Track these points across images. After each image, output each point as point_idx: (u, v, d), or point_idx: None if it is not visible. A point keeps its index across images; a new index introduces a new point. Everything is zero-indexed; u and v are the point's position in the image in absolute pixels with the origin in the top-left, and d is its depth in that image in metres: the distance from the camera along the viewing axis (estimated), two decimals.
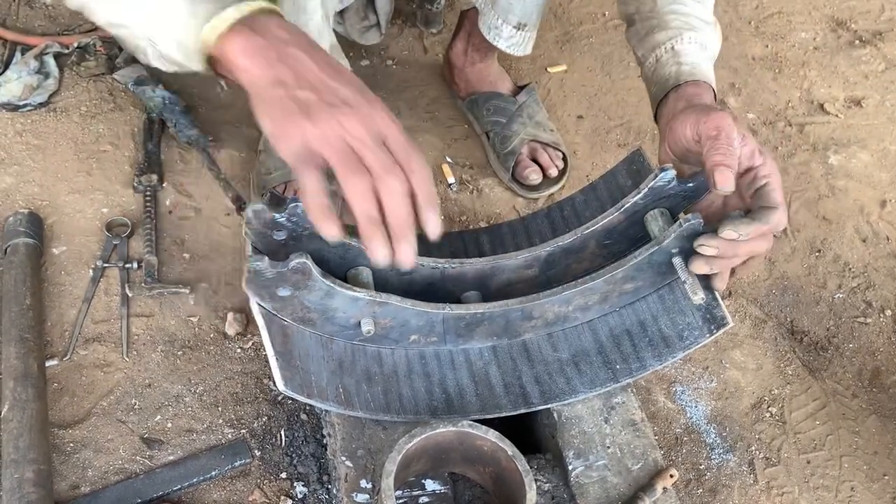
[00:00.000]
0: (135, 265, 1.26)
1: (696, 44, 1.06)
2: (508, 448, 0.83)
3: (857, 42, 1.85)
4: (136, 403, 1.14)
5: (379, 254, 0.78)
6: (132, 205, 1.34)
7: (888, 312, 1.39)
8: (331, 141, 0.76)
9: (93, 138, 1.41)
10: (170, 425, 1.13)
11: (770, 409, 1.25)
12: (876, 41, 1.85)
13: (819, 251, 1.46)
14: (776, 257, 1.45)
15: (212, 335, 1.22)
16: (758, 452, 1.20)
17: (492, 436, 0.84)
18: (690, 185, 0.98)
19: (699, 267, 0.94)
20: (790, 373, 1.30)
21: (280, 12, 0.84)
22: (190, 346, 1.21)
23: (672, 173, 0.96)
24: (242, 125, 1.48)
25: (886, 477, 1.20)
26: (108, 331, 1.20)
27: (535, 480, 0.88)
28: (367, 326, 0.92)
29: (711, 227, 0.94)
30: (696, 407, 1.23)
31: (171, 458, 1.10)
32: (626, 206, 0.98)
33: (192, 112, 1.47)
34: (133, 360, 1.18)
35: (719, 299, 0.98)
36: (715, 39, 1.11)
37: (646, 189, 0.96)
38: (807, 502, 1.16)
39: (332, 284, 0.89)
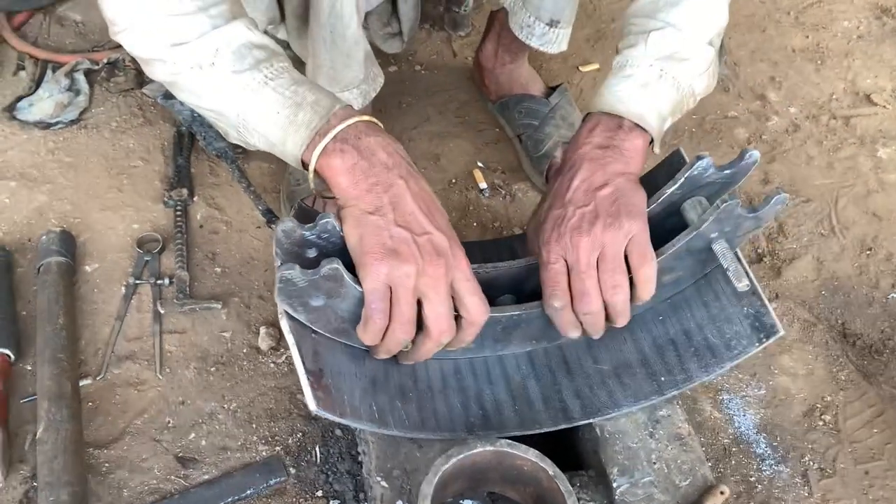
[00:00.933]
0: (166, 281, 1.25)
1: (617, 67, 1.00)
2: (549, 468, 0.80)
3: None
4: (170, 422, 1.13)
5: (374, 356, 0.92)
6: (163, 220, 1.33)
7: None
8: (407, 288, 0.83)
9: (123, 154, 1.41)
10: (204, 443, 1.11)
11: (823, 416, 1.20)
12: None
13: (870, 249, 1.40)
14: (824, 256, 1.39)
15: (244, 350, 1.21)
16: (811, 463, 1.15)
17: (532, 455, 0.80)
18: (728, 171, 0.95)
19: None
20: (843, 378, 1.24)
21: (380, 125, 0.87)
22: (223, 363, 1.19)
23: (709, 160, 0.92)
24: None
25: None
26: (141, 348, 1.19)
27: (578, 499, 0.84)
28: None
29: (751, 208, 0.91)
30: (744, 416, 1.18)
31: (206, 476, 1.08)
32: (663, 197, 0.94)
33: None
34: (166, 377, 1.17)
35: (768, 306, 0.93)
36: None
37: (682, 179, 0.93)
38: None
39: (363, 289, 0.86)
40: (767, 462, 1.14)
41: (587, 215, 0.90)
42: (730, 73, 1.67)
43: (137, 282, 1.25)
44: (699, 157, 0.90)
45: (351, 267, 0.85)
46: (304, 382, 0.83)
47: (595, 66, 1.66)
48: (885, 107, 1.63)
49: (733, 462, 1.14)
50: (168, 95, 1.51)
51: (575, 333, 0.93)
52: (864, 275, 1.37)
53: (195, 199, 1.37)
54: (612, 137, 0.94)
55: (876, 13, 1.82)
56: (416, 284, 0.83)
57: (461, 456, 0.79)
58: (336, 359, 0.89)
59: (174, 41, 0.85)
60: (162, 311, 1.22)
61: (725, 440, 1.16)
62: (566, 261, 0.91)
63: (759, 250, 1.39)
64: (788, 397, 1.21)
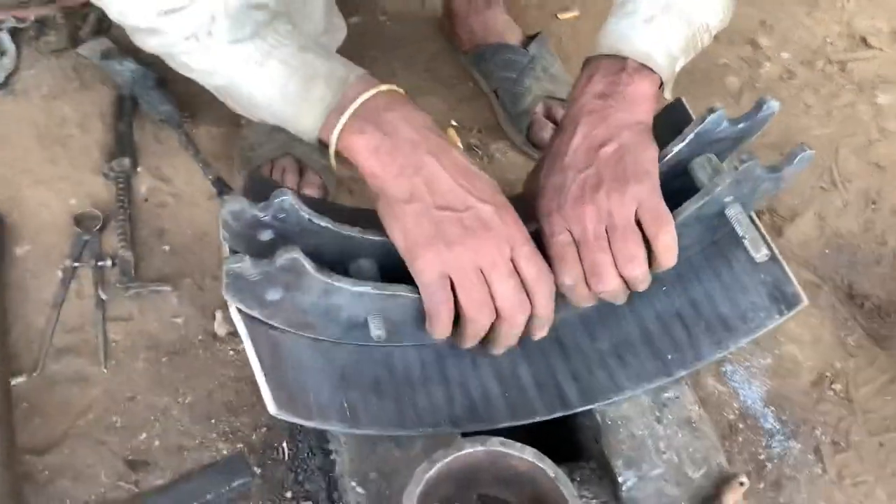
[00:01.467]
0: (109, 263, 1.12)
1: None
2: (549, 469, 0.70)
3: None
4: (117, 421, 1.01)
5: (462, 347, 0.83)
6: (103, 194, 1.20)
7: None
8: (465, 270, 0.77)
9: (57, 122, 1.27)
10: (157, 444, 1.00)
11: (833, 386, 1.12)
12: None
13: (874, 203, 1.31)
14: (827, 212, 1.30)
15: (200, 337, 1.09)
16: (824, 437, 1.07)
17: (529, 454, 0.70)
18: (742, 125, 0.85)
19: None
20: (852, 343, 1.16)
21: (402, 93, 0.81)
22: (176, 352, 1.07)
23: (721, 113, 0.83)
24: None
25: None
26: (82, 340, 1.07)
27: (580, 497, 0.75)
28: (376, 331, 0.78)
29: (771, 167, 0.82)
30: (750, 388, 1.09)
31: (160, 481, 0.97)
32: (669, 155, 0.84)
33: (165, 86, 1.32)
34: (112, 371, 1.05)
35: (789, 273, 0.84)
36: None
37: (692, 135, 0.82)
38: (884, 491, 1.03)
39: (329, 280, 0.75)
40: (777, 438, 1.06)
41: (589, 181, 0.79)
42: None
43: (76, 265, 1.12)
44: (711, 110, 0.80)
45: (314, 253, 0.73)
46: (262, 382, 0.72)
47: (574, 14, 1.54)
48: (882, 50, 1.53)
49: (740, 439, 1.06)
50: (105, 56, 1.38)
51: (590, 303, 0.84)
52: (870, 231, 1.28)
53: (139, 169, 1.23)
54: (614, 83, 0.83)
55: None
56: (475, 264, 0.77)
57: (447, 460, 0.69)
58: (300, 352, 0.78)
59: (166, 7, 0.77)
60: (105, 297, 1.09)
61: (731, 416, 1.08)
62: (572, 233, 0.80)
63: (758, 208, 1.29)
64: (796, 366, 1.13)
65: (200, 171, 1.23)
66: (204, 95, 1.30)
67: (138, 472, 0.97)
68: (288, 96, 0.78)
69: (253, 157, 1.21)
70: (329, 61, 0.80)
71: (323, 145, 0.81)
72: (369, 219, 0.83)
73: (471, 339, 0.82)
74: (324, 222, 0.77)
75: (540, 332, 0.83)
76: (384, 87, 0.79)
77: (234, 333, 1.09)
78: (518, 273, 0.78)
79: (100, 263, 1.12)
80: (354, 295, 0.77)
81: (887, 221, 1.29)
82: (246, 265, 0.69)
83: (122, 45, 1.38)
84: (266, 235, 0.76)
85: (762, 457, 1.05)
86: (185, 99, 1.31)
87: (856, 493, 1.03)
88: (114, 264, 1.12)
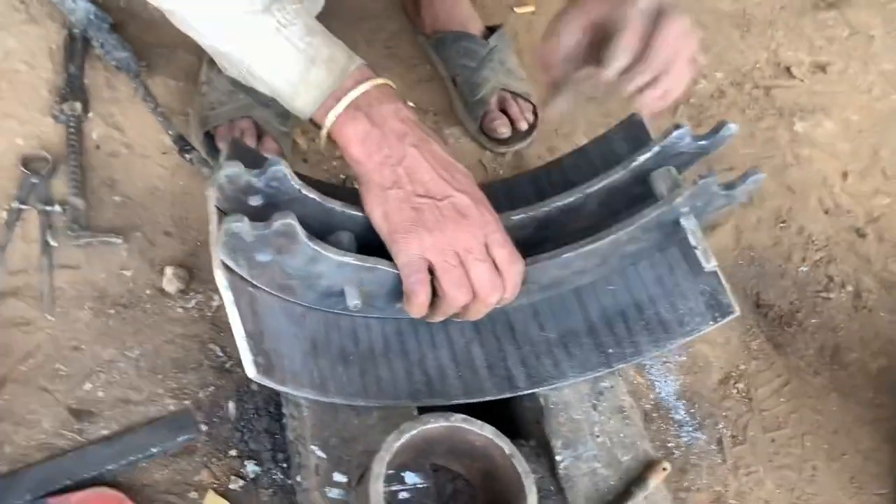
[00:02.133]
0: (58, 208, 1.10)
1: None
2: (506, 446, 0.76)
3: (822, 5, 1.81)
4: (61, 369, 1.00)
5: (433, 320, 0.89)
6: (53, 137, 1.16)
7: (849, 288, 1.38)
8: (444, 253, 0.82)
9: (1, 55, 1.21)
10: (102, 394, 1.00)
11: (737, 385, 1.23)
12: (841, 5, 1.81)
13: (784, 222, 1.44)
14: (743, 226, 1.41)
15: (148, 292, 1.09)
16: (725, 430, 1.18)
17: (488, 432, 0.76)
18: (703, 142, 0.92)
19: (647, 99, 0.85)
20: (755, 348, 1.28)
21: (393, 87, 0.85)
22: (123, 304, 1.07)
23: (686, 130, 0.90)
24: (178, 48, 1.31)
25: (846, 456, 1.21)
26: (26, 283, 1.04)
27: None
28: (353, 300, 0.82)
29: (726, 185, 0.89)
30: (665, 382, 1.19)
31: (105, 432, 0.97)
32: (634, 164, 0.91)
33: (122, 30, 1.29)
34: (57, 318, 1.03)
35: (726, 285, 0.92)
36: None
37: (657, 148, 0.89)
38: (772, 482, 1.15)
39: (318, 248, 0.79)
40: (685, 429, 1.16)
41: None
42: None
43: (22, 207, 1.09)
44: (677, 126, 0.87)
45: (301, 219, 0.76)
46: (243, 347, 0.75)
47: (530, 9, 1.59)
48: (802, 80, 1.66)
49: (654, 427, 1.16)
50: None
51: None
52: (778, 247, 1.40)
53: (90, 115, 1.20)
54: None
55: None
56: (452, 248, 0.82)
57: (414, 431, 0.74)
58: (276, 319, 0.81)
59: None
60: (53, 243, 1.07)
61: (647, 406, 1.17)
62: None
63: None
64: (707, 365, 1.24)
65: (154, 124, 1.21)
66: (161, 46, 1.31)
67: (82, 422, 0.97)
68: (288, 75, 0.81)
69: (212, 116, 1.20)
70: (331, 47, 0.82)
71: (314, 125, 0.83)
72: (342, 195, 0.87)
73: (442, 316, 0.88)
74: (312, 194, 0.81)
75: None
76: (380, 81, 0.83)
77: (183, 291, 1.10)
78: (491, 258, 0.84)
79: (48, 208, 1.09)
80: (337, 264, 0.81)
81: (793, 240, 1.42)
82: (245, 226, 0.72)
83: None
84: (256, 201, 0.78)
85: (671, 444, 1.15)
86: (141, 47, 1.28)
87: (748, 481, 1.15)
88: (63, 210, 1.10)
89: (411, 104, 1.39)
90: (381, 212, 0.82)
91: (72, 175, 1.12)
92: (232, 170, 0.74)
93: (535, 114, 1.40)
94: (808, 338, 1.31)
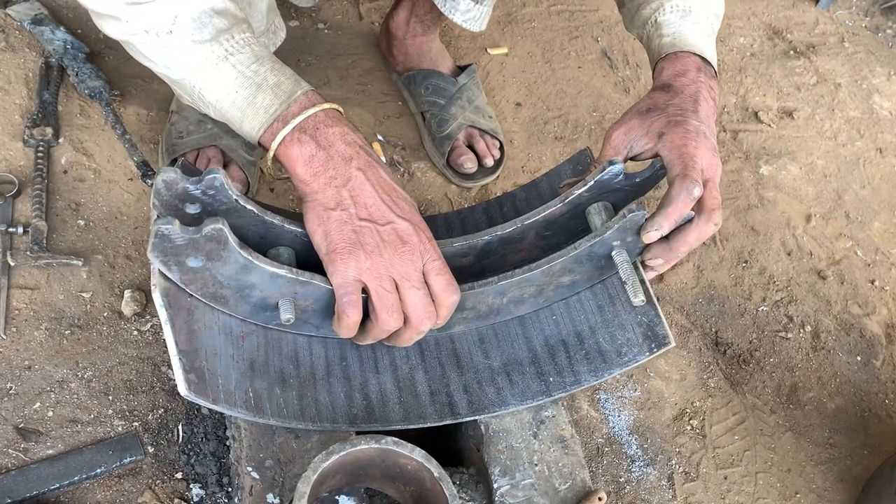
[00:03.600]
0: (20, 230, 1.12)
1: (677, 11, 0.99)
2: (435, 469, 0.76)
3: (791, 53, 1.85)
4: (11, 388, 1.01)
5: (361, 343, 0.91)
6: (21, 160, 1.19)
7: (807, 328, 1.39)
8: (380, 277, 0.83)
9: None
10: (51, 414, 1.00)
11: (691, 421, 1.23)
12: (809, 53, 1.86)
13: (746, 262, 1.46)
14: (704, 265, 1.43)
15: (105, 314, 1.10)
16: (677, 466, 1.18)
17: (417, 455, 0.77)
18: (637, 180, 0.94)
19: (657, 253, 0.92)
20: (712, 385, 1.29)
21: (341, 112, 0.87)
22: (79, 326, 1.08)
23: (620, 167, 0.91)
24: (153, 80, 1.34)
25: (798, 495, 1.20)
26: None
27: (458, 499, 0.81)
28: (286, 314, 0.83)
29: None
30: (619, 416, 1.20)
31: (51, 451, 0.98)
32: (570, 197, 0.92)
33: (97, 60, 1.33)
34: (11, 337, 1.04)
35: (662, 317, 0.93)
36: (707, 2, 1.01)
37: (592, 181, 0.91)
38: None
39: (249, 257, 0.80)
40: (637, 464, 1.16)
41: None
42: (631, 74, 1.69)
43: None
44: (611, 163, 0.89)
45: (237, 234, 0.78)
46: (176, 364, 0.76)
47: (503, 51, 1.63)
48: (770, 126, 1.69)
49: (605, 462, 1.16)
50: (37, 21, 1.37)
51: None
52: (739, 286, 1.42)
53: (60, 140, 1.23)
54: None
55: (769, 34, 1.89)
56: (389, 274, 0.83)
57: (343, 453, 0.75)
58: (213, 339, 0.82)
59: None
60: (12, 263, 1.09)
61: (600, 439, 1.18)
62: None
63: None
64: (661, 400, 1.24)
65: (123, 151, 1.24)
66: (136, 77, 1.34)
67: (28, 441, 0.98)
68: (236, 100, 0.83)
69: (180, 144, 1.23)
70: (279, 75, 0.84)
71: (262, 147, 0.85)
72: (287, 217, 0.88)
73: (372, 339, 0.89)
74: (249, 205, 0.82)
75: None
76: (326, 105, 0.84)
77: (140, 314, 1.11)
78: (427, 286, 0.85)
79: (10, 230, 1.11)
80: (270, 276, 0.82)
81: (754, 280, 1.43)
82: (174, 228, 0.73)
83: (55, 12, 1.37)
84: (193, 209, 0.79)
85: (622, 479, 1.15)
86: (115, 77, 1.32)
87: None
88: (25, 231, 1.12)
89: (380, 137, 1.42)
90: (321, 231, 0.83)
91: (36, 197, 1.14)
92: (169, 175, 0.76)
93: (502, 150, 1.43)
94: (766, 376, 1.32)
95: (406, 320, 0.85)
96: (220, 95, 0.83)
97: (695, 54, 0.97)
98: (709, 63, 0.98)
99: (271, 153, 0.84)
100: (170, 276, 0.78)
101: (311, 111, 0.83)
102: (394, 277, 0.83)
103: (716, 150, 0.91)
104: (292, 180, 0.85)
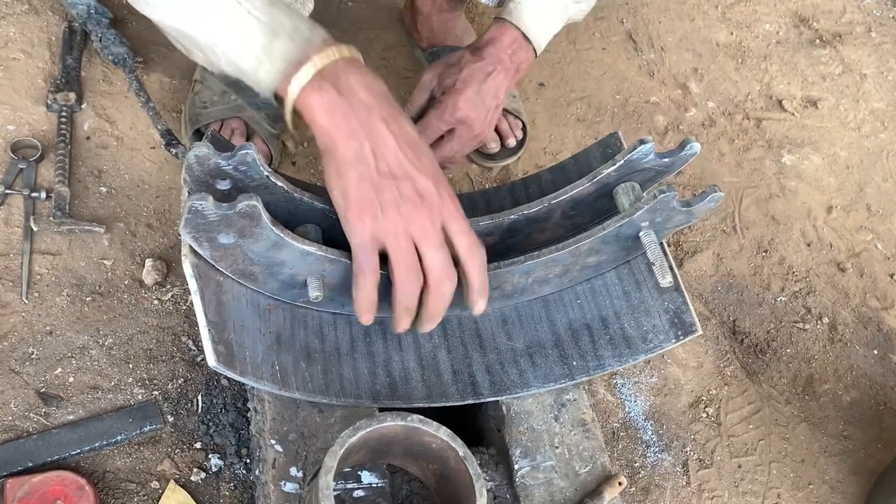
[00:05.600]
0: (43, 195, 1.11)
1: None
2: (460, 449, 0.76)
3: (817, 41, 1.83)
4: (33, 352, 1.01)
5: (397, 329, 0.86)
6: (44, 125, 1.18)
7: (825, 320, 1.39)
8: (398, 236, 0.79)
9: (0, 43, 1.23)
10: (72, 380, 1.01)
11: (707, 409, 1.23)
12: (835, 42, 1.83)
13: (766, 251, 1.45)
14: (724, 253, 1.42)
15: (126, 282, 1.10)
16: (692, 453, 1.18)
17: (443, 434, 0.77)
18: (667, 159, 0.93)
19: None
20: (729, 374, 1.28)
21: (361, 60, 0.83)
22: (100, 293, 1.08)
23: (651, 146, 0.91)
24: (176, 49, 1.33)
25: (811, 486, 1.21)
26: (5, 267, 1.06)
27: None
28: (315, 291, 0.82)
29: (685, 202, 0.91)
30: (635, 402, 1.20)
31: (71, 417, 0.98)
32: (599, 177, 0.92)
33: (121, 26, 1.32)
34: (33, 302, 1.04)
35: (689, 303, 0.93)
36: None
37: (621, 161, 0.90)
38: None
39: (281, 234, 0.79)
40: (652, 449, 1.16)
41: None
42: (656, 58, 1.67)
43: (8, 191, 1.11)
44: (641, 142, 0.88)
45: (269, 206, 0.77)
46: (205, 335, 0.76)
47: None
48: (793, 114, 1.67)
49: (620, 446, 1.16)
50: None
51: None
52: (758, 275, 1.41)
53: (84, 106, 1.22)
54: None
55: (795, 21, 1.86)
56: (407, 232, 0.79)
57: (369, 429, 0.75)
58: (241, 311, 0.82)
59: None
60: (35, 228, 1.08)
61: (615, 424, 1.18)
62: None
63: (665, 240, 1.40)
64: (678, 387, 1.24)
65: (147, 118, 1.23)
66: (159, 44, 1.33)
67: (50, 406, 0.98)
68: (252, 48, 0.78)
69: (203, 114, 1.22)
70: (294, 19, 0.79)
71: (278, 101, 0.81)
72: (315, 193, 0.88)
73: (403, 313, 0.84)
74: (280, 182, 0.82)
75: (479, 303, 0.85)
76: (346, 51, 0.80)
77: (161, 283, 1.11)
78: (451, 247, 0.81)
79: (33, 194, 1.11)
80: (301, 253, 0.81)
81: (773, 269, 1.43)
82: (208, 203, 0.72)
83: None
84: (224, 185, 0.79)
85: (637, 464, 1.15)
86: (138, 44, 1.31)
87: None
88: (47, 197, 1.11)
89: None
90: (340, 188, 0.79)
91: (59, 163, 1.14)
92: (201, 150, 0.75)
93: (525, 131, 1.41)
94: (782, 367, 1.32)
95: (426, 282, 0.81)
96: (233, 44, 0.79)
97: (518, 30, 1.09)
98: (529, 41, 1.10)
99: (290, 104, 0.79)
100: (200, 252, 0.78)
101: (330, 55, 0.78)
102: (412, 235, 0.79)
103: (485, 119, 1.09)
104: (313, 130, 0.80)
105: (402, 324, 0.85)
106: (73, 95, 1.21)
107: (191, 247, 0.77)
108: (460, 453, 0.76)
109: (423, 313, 0.85)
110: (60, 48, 1.26)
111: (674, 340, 0.94)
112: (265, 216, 0.76)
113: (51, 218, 1.09)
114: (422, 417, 0.77)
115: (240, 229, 0.77)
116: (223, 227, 0.76)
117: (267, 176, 0.80)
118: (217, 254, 0.79)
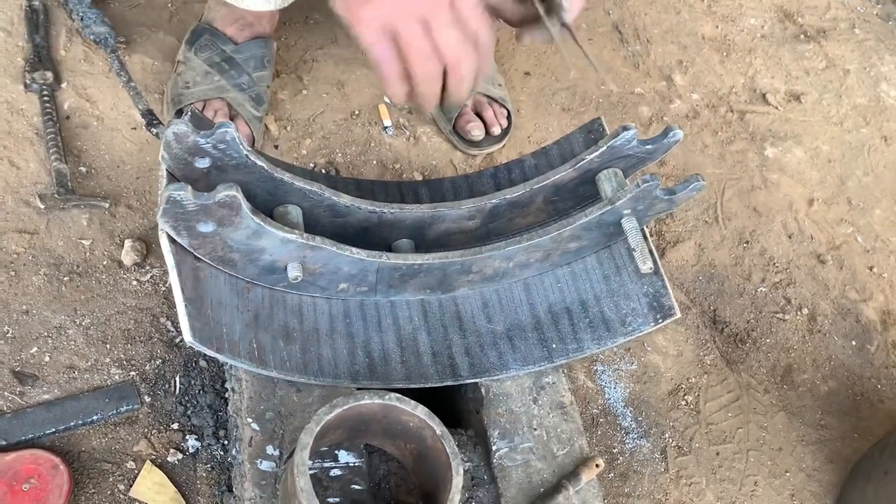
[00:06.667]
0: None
1: None
2: (437, 427, 0.76)
3: (802, 36, 1.84)
4: (8, 331, 1.00)
5: (425, 106, 0.83)
6: (23, 103, 1.17)
7: (805, 311, 1.40)
8: (407, 21, 0.75)
9: None
10: (48, 359, 1.00)
11: (686, 397, 1.24)
12: (820, 38, 1.85)
13: (747, 242, 1.45)
14: (706, 244, 1.43)
15: (105, 262, 1.09)
16: (671, 440, 1.19)
17: (420, 412, 0.76)
18: (649, 146, 0.93)
19: None
20: (708, 362, 1.29)
21: None
22: (78, 273, 1.07)
23: (633, 132, 0.91)
24: (160, 30, 1.32)
25: (788, 474, 1.21)
26: None
27: None
28: (294, 272, 0.82)
29: (667, 190, 0.90)
30: (615, 389, 1.20)
31: (47, 396, 0.97)
32: (581, 163, 0.92)
33: (103, 6, 1.30)
34: (10, 281, 1.03)
35: (668, 287, 0.93)
36: None
37: (604, 147, 0.90)
38: (713, 494, 1.16)
39: (262, 223, 0.78)
40: (631, 436, 1.17)
41: None
42: (641, 49, 1.67)
43: None
44: (624, 128, 0.88)
45: (244, 190, 0.77)
46: (181, 310, 0.75)
47: None
48: (777, 108, 1.68)
49: (599, 432, 1.16)
50: None
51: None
52: (739, 266, 1.42)
53: (63, 85, 1.21)
54: None
55: (780, 16, 1.87)
56: (416, 13, 0.75)
57: (346, 406, 0.74)
58: (218, 288, 0.81)
59: None
60: (41, 206, 1.08)
61: (595, 410, 1.18)
62: None
63: (647, 228, 1.41)
64: (657, 375, 1.24)
65: (127, 99, 1.22)
66: (142, 25, 1.32)
67: (25, 385, 0.97)
68: None
69: (186, 94, 1.21)
70: None
71: None
72: (295, 173, 0.87)
73: (431, 95, 0.80)
74: (259, 161, 0.81)
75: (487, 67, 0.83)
76: None
77: (140, 264, 1.10)
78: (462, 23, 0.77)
79: None
80: (281, 240, 0.81)
81: (754, 260, 1.43)
82: (187, 193, 0.72)
83: None
84: (202, 163, 0.78)
85: (615, 450, 1.16)
86: (120, 24, 1.30)
87: (689, 491, 1.15)
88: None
89: (387, 100, 1.41)
90: None
91: (51, 141, 1.12)
92: (180, 127, 0.74)
93: (510, 120, 1.41)
94: (762, 356, 1.32)
95: (445, 65, 0.77)
96: None
97: None
98: None
99: None
100: (179, 240, 0.77)
101: None
102: (421, 16, 0.75)
103: None
104: None
105: (431, 104, 0.83)
106: (49, 74, 1.19)
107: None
108: (437, 431, 0.76)
109: (449, 96, 0.82)
110: (25, 28, 1.24)
111: (652, 324, 0.94)
112: (245, 205, 0.76)
113: (55, 195, 1.08)
114: (399, 395, 0.77)
115: (219, 218, 0.76)
116: (202, 217, 0.76)
117: (246, 155, 0.80)
118: (196, 242, 0.79)
